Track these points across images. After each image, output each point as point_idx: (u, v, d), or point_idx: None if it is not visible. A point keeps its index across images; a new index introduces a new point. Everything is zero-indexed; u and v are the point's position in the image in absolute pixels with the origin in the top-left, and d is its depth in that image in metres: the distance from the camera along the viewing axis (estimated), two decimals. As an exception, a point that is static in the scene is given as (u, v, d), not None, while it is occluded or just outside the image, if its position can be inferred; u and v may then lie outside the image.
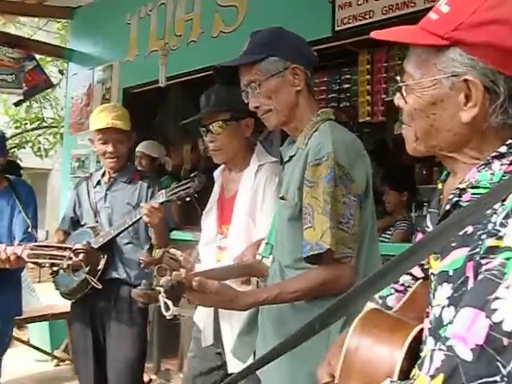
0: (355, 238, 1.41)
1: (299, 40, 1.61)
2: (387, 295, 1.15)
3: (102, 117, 2.57)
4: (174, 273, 1.29)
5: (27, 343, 4.67)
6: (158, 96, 4.64)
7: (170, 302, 1.27)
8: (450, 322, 0.78)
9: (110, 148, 2.56)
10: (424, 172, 4.94)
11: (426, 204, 4.86)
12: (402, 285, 1.15)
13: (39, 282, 7.36)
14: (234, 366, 1.82)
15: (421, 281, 1.09)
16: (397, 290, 1.15)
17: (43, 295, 5.03)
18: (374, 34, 0.92)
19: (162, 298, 1.27)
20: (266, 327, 1.54)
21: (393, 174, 4.33)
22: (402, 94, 0.92)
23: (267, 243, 1.68)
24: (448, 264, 0.83)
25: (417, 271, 1.12)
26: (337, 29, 3.21)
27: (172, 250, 1.81)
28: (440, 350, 0.75)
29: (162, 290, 1.26)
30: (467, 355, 0.72)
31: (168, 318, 1.28)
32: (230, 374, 1.93)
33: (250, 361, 1.68)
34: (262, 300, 1.42)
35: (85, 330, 2.62)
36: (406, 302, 1.05)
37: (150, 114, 4.76)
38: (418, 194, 4.44)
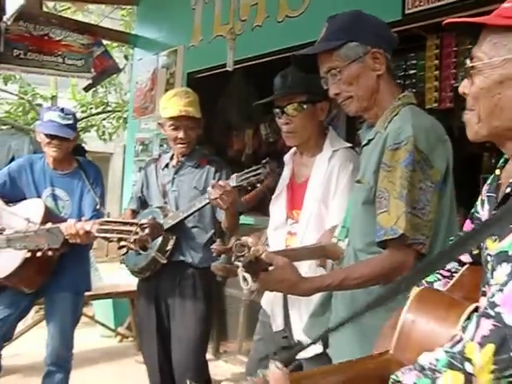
0: (430, 225, 1.38)
1: (378, 23, 1.57)
2: (434, 281, 1.15)
3: (174, 103, 2.57)
4: (252, 249, 1.32)
5: (93, 319, 4.89)
6: (221, 81, 4.66)
7: (248, 276, 1.29)
8: (500, 290, 0.79)
9: (181, 134, 2.57)
10: (492, 161, 4.76)
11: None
12: (449, 270, 1.15)
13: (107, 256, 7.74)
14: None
15: (467, 265, 1.11)
16: (443, 276, 1.15)
17: (106, 274, 5.26)
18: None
19: (240, 272, 1.31)
20: (339, 311, 1.54)
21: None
22: (471, 78, 0.96)
23: (343, 226, 1.67)
24: (507, 244, 0.84)
25: (465, 256, 1.13)
26: (407, 12, 3.10)
27: (243, 238, 1.85)
28: (487, 317, 0.77)
29: (240, 264, 1.28)
30: None
31: (245, 291, 1.31)
32: (296, 359, 1.94)
33: (320, 342, 1.68)
34: (326, 285, 1.42)
35: (149, 309, 2.69)
36: (453, 285, 1.07)
37: (213, 99, 4.79)
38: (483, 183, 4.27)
